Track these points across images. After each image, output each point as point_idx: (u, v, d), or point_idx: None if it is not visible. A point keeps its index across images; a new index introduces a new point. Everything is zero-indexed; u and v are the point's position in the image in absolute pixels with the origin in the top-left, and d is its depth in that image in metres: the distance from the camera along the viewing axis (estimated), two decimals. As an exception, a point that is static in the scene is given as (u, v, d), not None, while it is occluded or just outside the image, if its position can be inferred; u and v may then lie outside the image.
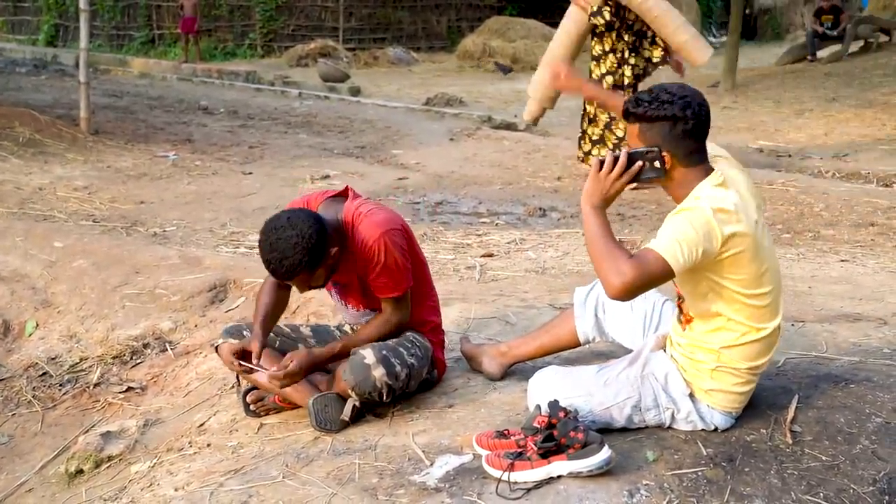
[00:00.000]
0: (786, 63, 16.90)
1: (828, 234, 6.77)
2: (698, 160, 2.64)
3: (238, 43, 21.35)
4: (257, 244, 2.98)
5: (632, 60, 7.79)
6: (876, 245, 6.38)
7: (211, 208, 6.97)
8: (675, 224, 2.53)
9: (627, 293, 2.51)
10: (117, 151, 9.19)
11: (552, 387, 2.84)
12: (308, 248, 2.86)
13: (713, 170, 2.65)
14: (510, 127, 12.16)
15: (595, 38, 7.80)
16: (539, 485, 2.54)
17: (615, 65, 7.75)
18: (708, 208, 2.51)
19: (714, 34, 25.46)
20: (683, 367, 2.79)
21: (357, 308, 3.31)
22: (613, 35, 7.67)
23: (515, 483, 2.54)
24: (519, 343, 3.43)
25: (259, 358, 3.08)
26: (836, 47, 16.37)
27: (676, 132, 2.58)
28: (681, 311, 2.78)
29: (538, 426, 2.61)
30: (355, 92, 15.12)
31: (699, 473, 2.58)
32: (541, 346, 3.37)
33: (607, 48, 7.74)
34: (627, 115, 2.66)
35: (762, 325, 2.69)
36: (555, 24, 22.20)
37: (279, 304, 3.31)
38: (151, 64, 19.11)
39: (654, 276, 2.49)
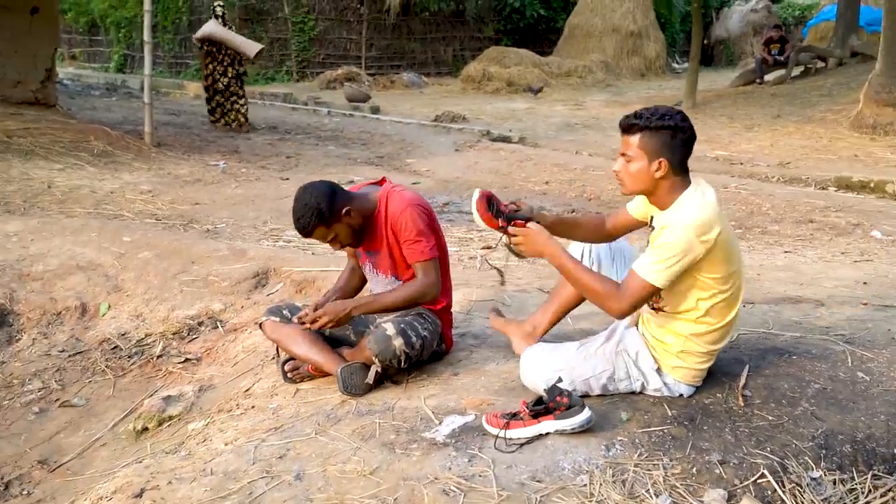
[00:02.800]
0: (738, 85, 16.81)
1: (773, 229, 6.75)
2: (685, 170, 2.60)
3: (277, 69, 21.33)
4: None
5: (230, 72, 11.35)
6: (814, 239, 6.37)
7: (254, 208, 6.97)
8: (661, 248, 2.51)
9: (625, 315, 2.65)
10: (176, 161, 9.19)
11: (540, 361, 2.83)
12: (317, 207, 3.00)
13: (690, 182, 2.61)
14: (506, 139, 12.12)
15: (202, 58, 11.44)
16: (530, 440, 2.54)
17: (213, 71, 11.27)
18: (690, 227, 2.48)
19: (677, 61, 25.39)
20: (653, 346, 2.76)
21: (386, 275, 3.27)
22: (212, 55, 11.19)
23: (510, 439, 2.54)
24: (539, 318, 3.28)
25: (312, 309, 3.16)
26: (780, 72, 16.31)
27: (676, 141, 2.54)
28: (655, 300, 2.73)
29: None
30: (375, 110, 15.09)
31: (665, 431, 2.58)
32: (554, 312, 3.25)
33: (207, 62, 11.28)
34: (629, 127, 2.58)
35: (725, 316, 2.66)
36: (543, 53, 22.28)
37: (347, 285, 3.42)
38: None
39: (643, 297, 2.58)
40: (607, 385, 2.79)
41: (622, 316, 2.65)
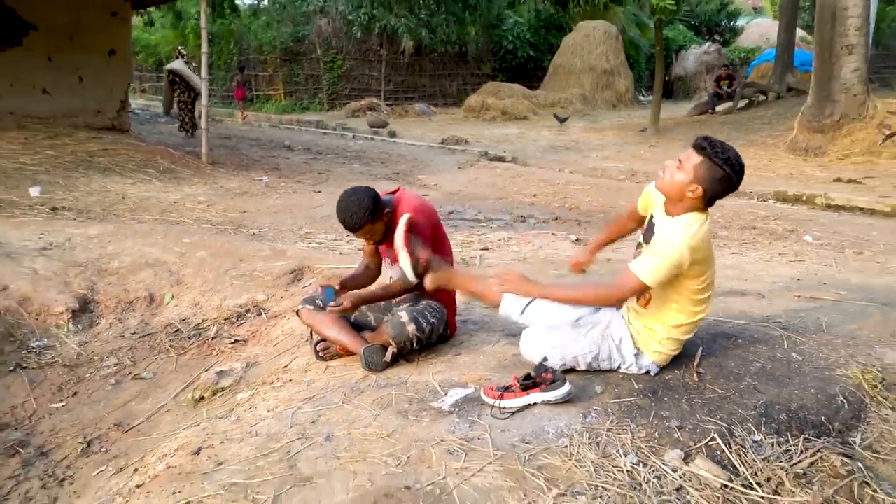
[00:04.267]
0: (693, 115, 16.80)
1: (723, 234, 6.74)
2: (710, 204, 2.53)
3: (311, 100, 21.38)
4: (335, 209, 3.08)
5: (185, 96, 12.60)
6: (756, 242, 6.35)
7: (292, 216, 6.98)
8: (659, 256, 2.48)
9: (617, 304, 2.74)
10: (227, 176, 9.21)
11: (538, 340, 2.80)
12: (367, 206, 2.99)
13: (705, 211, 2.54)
14: (501, 159, 12.13)
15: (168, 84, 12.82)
16: (521, 409, 2.54)
17: (184, 94, 12.58)
18: (686, 244, 2.46)
19: (643, 94, 25.32)
20: (637, 331, 2.73)
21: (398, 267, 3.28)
22: (176, 83, 12.52)
23: (504, 408, 2.54)
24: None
25: (343, 288, 3.18)
26: (728, 104, 16.28)
27: (722, 185, 2.45)
28: (643, 296, 2.70)
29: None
30: (392, 134, 15.10)
31: (632, 402, 2.57)
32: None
33: (175, 88, 12.62)
34: (698, 148, 2.45)
35: (698, 314, 2.67)
36: (532, 87, 22.24)
37: (365, 274, 3.36)
38: (251, 116, 19.09)
39: (633, 291, 2.59)
40: (591, 363, 2.77)
41: (616, 304, 2.75)
